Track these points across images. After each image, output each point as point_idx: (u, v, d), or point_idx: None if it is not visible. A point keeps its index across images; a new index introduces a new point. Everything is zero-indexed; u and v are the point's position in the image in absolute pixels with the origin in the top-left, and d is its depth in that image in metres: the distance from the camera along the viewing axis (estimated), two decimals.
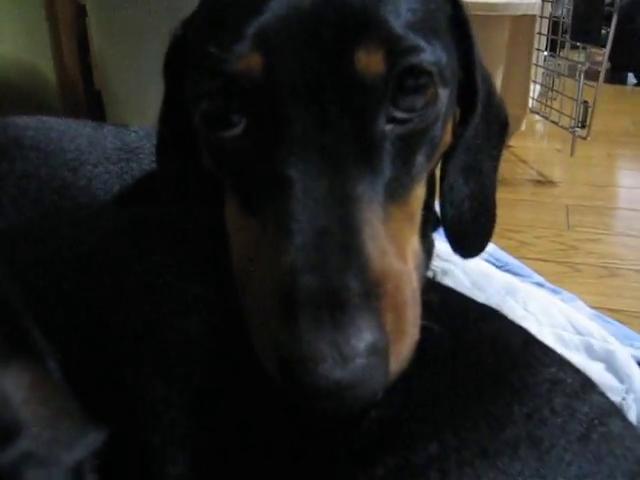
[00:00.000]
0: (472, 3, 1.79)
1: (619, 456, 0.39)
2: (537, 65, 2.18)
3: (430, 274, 0.75)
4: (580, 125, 1.85)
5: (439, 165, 0.57)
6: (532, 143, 2.26)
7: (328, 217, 0.39)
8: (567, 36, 1.96)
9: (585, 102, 1.84)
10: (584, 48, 1.90)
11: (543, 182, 1.86)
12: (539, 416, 0.39)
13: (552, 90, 2.12)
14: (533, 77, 2.14)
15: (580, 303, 1.03)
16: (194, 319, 0.45)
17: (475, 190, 0.57)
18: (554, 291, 1.06)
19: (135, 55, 1.55)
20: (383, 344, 0.36)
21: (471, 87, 0.55)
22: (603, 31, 1.78)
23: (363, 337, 0.35)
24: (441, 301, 0.47)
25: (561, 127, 1.98)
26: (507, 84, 2.00)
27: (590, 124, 1.83)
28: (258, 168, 0.44)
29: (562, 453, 0.38)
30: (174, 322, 0.44)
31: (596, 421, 0.40)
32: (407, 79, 0.44)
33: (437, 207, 0.60)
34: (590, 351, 0.84)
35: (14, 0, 1.82)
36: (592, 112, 1.81)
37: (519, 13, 1.87)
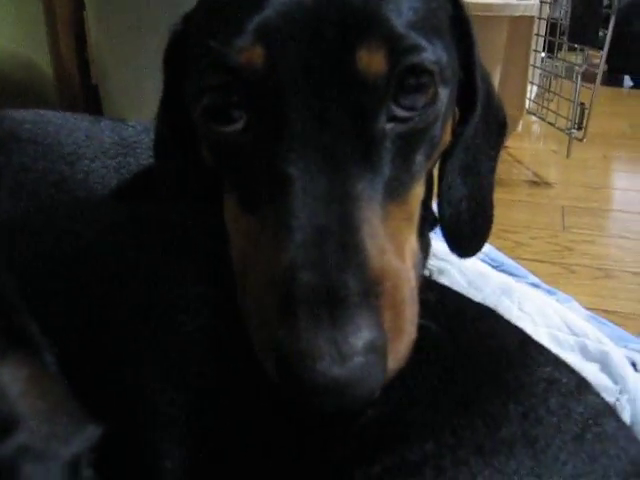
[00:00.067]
0: (470, 3, 1.79)
1: (613, 456, 0.39)
2: (534, 66, 2.18)
3: (427, 273, 0.76)
4: (576, 127, 1.86)
5: (437, 164, 0.57)
6: (528, 144, 2.27)
7: (327, 215, 0.39)
8: (565, 38, 1.96)
9: (582, 104, 1.84)
10: (581, 50, 1.91)
11: (539, 183, 1.86)
12: (535, 415, 0.40)
13: (549, 91, 2.13)
14: (530, 78, 2.15)
15: (575, 304, 1.03)
16: (193, 316, 0.45)
17: (473, 190, 0.58)
18: (549, 292, 1.07)
19: (132, 49, 1.55)
20: (381, 342, 0.36)
21: (471, 87, 0.55)
22: (600, 33, 1.78)
23: (361, 335, 0.35)
24: (438, 300, 0.47)
25: (557, 128, 1.98)
26: (504, 85, 2.00)
27: (587, 126, 1.84)
28: (258, 165, 0.44)
29: (557, 452, 0.38)
30: (173, 319, 0.44)
31: (591, 421, 0.41)
32: (408, 78, 0.44)
33: (434, 206, 0.60)
34: (585, 352, 0.84)
35: None
36: (589, 114, 1.82)
37: (517, 14, 1.87)
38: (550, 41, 2.10)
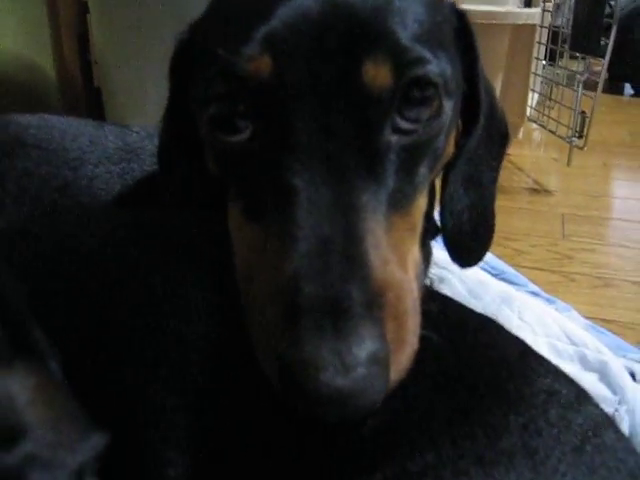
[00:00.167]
0: (473, 11, 1.80)
1: (612, 468, 0.40)
2: (536, 74, 2.19)
3: (427, 282, 0.76)
4: (577, 135, 1.86)
5: (440, 175, 0.58)
6: (529, 151, 2.27)
7: (332, 226, 0.40)
8: (566, 46, 1.97)
9: (583, 112, 1.85)
10: (583, 58, 1.91)
11: (539, 191, 1.87)
12: (535, 427, 0.40)
13: (550, 99, 2.14)
14: (531, 86, 2.16)
15: (574, 313, 1.03)
16: (195, 322, 0.45)
17: (475, 200, 0.58)
18: (549, 300, 1.07)
19: (135, 52, 1.55)
20: (384, 353, 0.36)
21: (474, 99, 0.55)
22: (602, 42, 1.79)
23: (365, 346, 0.35)
24: (440, 311, 0.47)
25: (558, 137, 1.99)
26: (506, 92, 2.01)
27: (587, 134, 1.84)
28: (263, 174, 0.44)
29: (557, 464, 0.38)
30: (175, 325, 0.44)
31: (590, 432, 0.41)
32: (413, 90, 0.44)
33: (436, 214, 0.60)
34: (584, 362, 0.85)
35: None
36: (589, 122, 1.82)
37: (520, 22, 1.88)
38: (552, 49, 2.11)
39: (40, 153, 0.74)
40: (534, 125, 2.26)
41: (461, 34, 0.53)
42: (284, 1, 0.44)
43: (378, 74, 0.43)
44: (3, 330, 0.33)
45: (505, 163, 2.03)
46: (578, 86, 1.88)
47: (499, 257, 1.19)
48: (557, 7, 2.11)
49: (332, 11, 0.43)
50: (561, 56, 2.08)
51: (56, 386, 0.34)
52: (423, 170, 0.47)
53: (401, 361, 0.39)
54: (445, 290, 0.91)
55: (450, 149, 0.54)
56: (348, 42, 0.43)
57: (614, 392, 0.80)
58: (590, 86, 1.87)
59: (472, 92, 0.55)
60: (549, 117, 2.09)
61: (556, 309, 1.01)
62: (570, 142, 1.90)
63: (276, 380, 0.37)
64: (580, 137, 1.86)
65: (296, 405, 0.36)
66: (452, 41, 0.51)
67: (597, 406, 0.45)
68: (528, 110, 2.21)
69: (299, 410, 0.36)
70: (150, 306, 0.46)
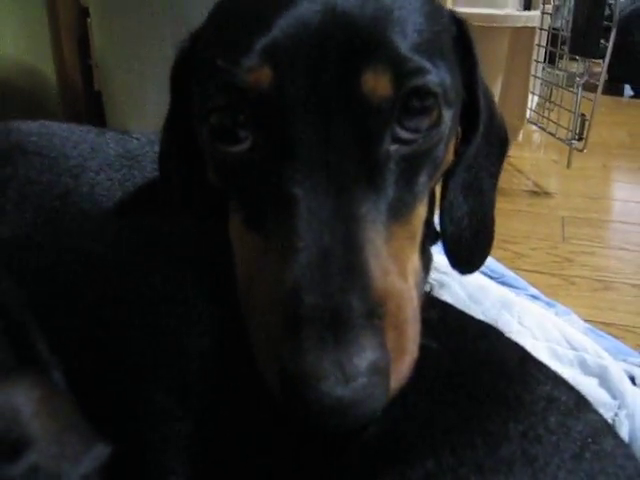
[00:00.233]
0: (473, 14, 1.81)
1: (611, 474, 0.40)
2: (535, 76, 2.19)
3: (427, 287, 0.76)
4: (577, 138, 1.87)
5: (440, 182, 0.58)
6: (529, 153, 2.27)
7: (332, 236, 0.40)
8: (566, 48, 1.97)
9: (582, 115, 1.85)
10: (582, 60, 1.91)
11: (539, 193, 1.87)
12: (534, 434, 0.40)
13: (550, 101, 2.14)
14: (531, 88, 2.16)
15: (574, 317, 1.04)
16: (196, 331, 0.45)
17: (474, 207, 0.58)
18: (549, 304, 1.07)
19: (135, 57, 1.56)
20: (384, 363, 0.37)
21: (473, 106, 0.56)
22: (601, 44, 1.79)
23: (365, 356, 0.36)
24: (440, 318, 0.48)
25: (558, 139, 1.99)
26: (505, 94, 2.01)
27: (587, 137, 1.84)
28: (263, 184, 0.44)
29: (556, 471, 0.38)
30: (176, 334, 0.45)
31: (590, 439, 0.41)
32: (413, 100, 0.45)
33: (436, 219, 0.61)
34: (584, 366, 0.85)
35: (16, 1, 1.83)
36: (589, 125, 1.83)
37: (519, 25, 1.89)
38: (551, 51, 2.11)
39: (41, 160, 0.74)
40: (534, 127, 2.26)
41: (460, 42, 0.54)
42: (284, 11, 0.44)
43: (378, 84, 0.43)
44: (7, 342, 0.34)
45: (505, 165, 2.03)
46: (578, 88, 1.88)
47: (499, 260, 1.20)
48: (556, 9, 2.12)
49: (332, 22, 0.44)
50: (561, 58, 2.09)
51: (60, 397, 0.34)
52: (423, 179, 0.47)
53: (401, 370, 0.39)
54: (445, 295, 0.91)
55: (450, 157, 0.55)
56: (348, 52, 0.43)
57: (614, 397, 0.80)
58: (590, 87, 1.87)
59: (471, 100, 0.55)
60: (549, 119, 2.09)
61: (556, 313, 1.01)
62: (570, 144, 1.90)
63: (277, 390, 0.37)
64: (580, 139, 1.86)
65: (297, 415, 0.37)
66: (451, 49, 0.51)
67: (596, 412, 0.45)
68: (528, 112, 2.21)
69: (300, 420, 0.37)
70: (150, 316, 0.46)
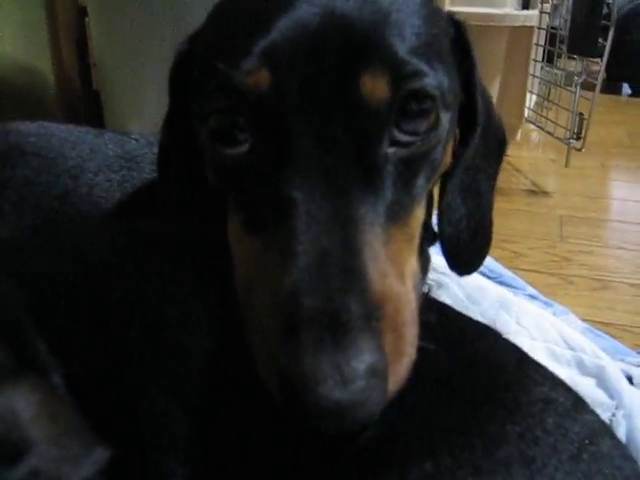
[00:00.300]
0: (471, 14, 1.81)
1: (608, 475, 0.40)
2: (533, 75, 2.19)
3: (426, 288, 0.76)
4: (575, 136, 1.87)
5: (438, 184, 0.58)
6: (527, 152, 2.27)
7: (330, 239, 0.40)
8: (564, 47, 1.97)
9: (580, 114, 1.85)
10: (581, 59, 1.91)
11: (537, 192, 1.87)
12: (532, 435, 0.40)
13: (548, 100, 2.14)
14: (529, 87, 2.16)
15: (572, 316, 1.04)
16: (196, 333, 0.45)
17: (472, 209, 0.58)
18: (547, 304, 1.07)
19: (134, 56, 1.56)
20: (382, 365, 0.37)
21: (471, 108, 0.56)
22: (599, 43, 1.79)
23: (363, 359, 0.36)
24: (438, 320, 0.48)
25: (556, 138, 1.99)
26: (503, 94, 2.01)
27: (585, 136, 1.84)
28: (262, 187, 0.44)
29: (553, 472, 0.38)
30: (175, 336, 0.45)
31: (587, 441, 0.41)
32: (411, 103, 0.45)
33: (434, 220, 0.61)
34: (581, 366, 0.85)
35: (15, 0, 1.82)
36: (587, 124, 1.83)
37: (517, 24, 1.88)
38: (549, 50, 2.11)
39: (40, 161, 0.74)
40: (532, 126, 2.26)
41: (458, 44, 0.54)
42: (282, 14, 0.44)
43: (376, 87, 0.43)
44: (7, 346, 0.34)
45: (503, 165, 2.04)
46: (576, 87, 1.88)
47: (497, 259, 1.20)
48: (555, 8, 2.12)
49: (330, 24, 0.44)
50: (559, 57, 2.09)
51: (60, 401, 0.34)
52: (421, 181, 0.47)
53: (399, 372, 0.39)
54: (443, 296, 0.91)
55: (448, 159, 0.55)
56: (346, 55, 0.43)
57: (611, 397, 0.80)
58: (588, 86, 1.87)
59: (469, 102, 0.55)
60: (547, 118, 2.09)
61: (554, 312, 1.02)
62: (568, 143, 1.90)
63: (276, 392, 0.38)
64: (578, 138, 1.86)
65: (295, 417, 0.37)
66: (449, 52, 0.52)
67: (594, 413, 0.45)
68: (526, 111, 2.21)
69: (298, 422, 0.37)
70: (150, 317, 0.46)
